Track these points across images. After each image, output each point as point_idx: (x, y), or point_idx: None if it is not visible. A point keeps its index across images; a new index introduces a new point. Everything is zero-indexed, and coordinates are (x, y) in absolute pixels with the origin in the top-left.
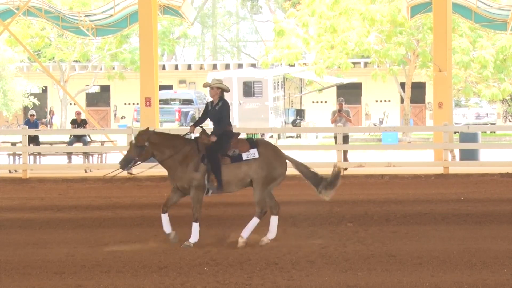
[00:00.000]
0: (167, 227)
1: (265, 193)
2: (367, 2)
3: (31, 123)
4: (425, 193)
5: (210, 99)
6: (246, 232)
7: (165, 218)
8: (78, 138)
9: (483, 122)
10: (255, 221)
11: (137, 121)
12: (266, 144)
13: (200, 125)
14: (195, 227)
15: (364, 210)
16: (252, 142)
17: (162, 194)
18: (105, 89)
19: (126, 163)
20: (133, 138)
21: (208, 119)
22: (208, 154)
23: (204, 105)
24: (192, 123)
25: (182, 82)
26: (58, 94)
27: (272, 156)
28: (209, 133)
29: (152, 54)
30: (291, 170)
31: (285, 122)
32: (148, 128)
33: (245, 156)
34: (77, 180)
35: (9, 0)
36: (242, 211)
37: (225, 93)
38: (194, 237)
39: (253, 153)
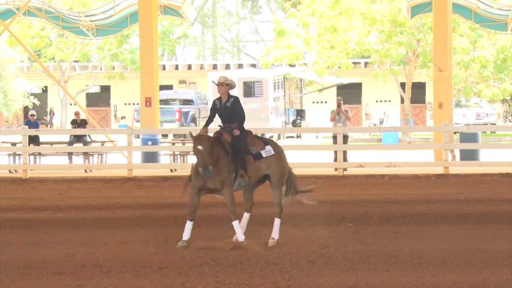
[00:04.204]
0: (186, 234)
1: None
2: (368, 2)
3: (32, 123)
4: (425, 193)
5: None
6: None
7: (189, 225)
8: (78, 138)
9: (483, 122)
10: (278, 221)
11: (137, 121)
12: (272, 141)
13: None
14: (236, 225)
15: (364, 210)
16: (263, 139)
17: (162, 194)
18: (105, 89)
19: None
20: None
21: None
22: (234, 151)
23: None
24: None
25: (182, 82)
26: (58, 94)
27: (281, 152)
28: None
29: (152, 54)
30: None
31: (285, 122)
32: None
33: (263, 153)
34: (77, 180)
35: (9, 0)
36: (242, 211)
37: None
38: (240, 236)
39: (269, 150)
